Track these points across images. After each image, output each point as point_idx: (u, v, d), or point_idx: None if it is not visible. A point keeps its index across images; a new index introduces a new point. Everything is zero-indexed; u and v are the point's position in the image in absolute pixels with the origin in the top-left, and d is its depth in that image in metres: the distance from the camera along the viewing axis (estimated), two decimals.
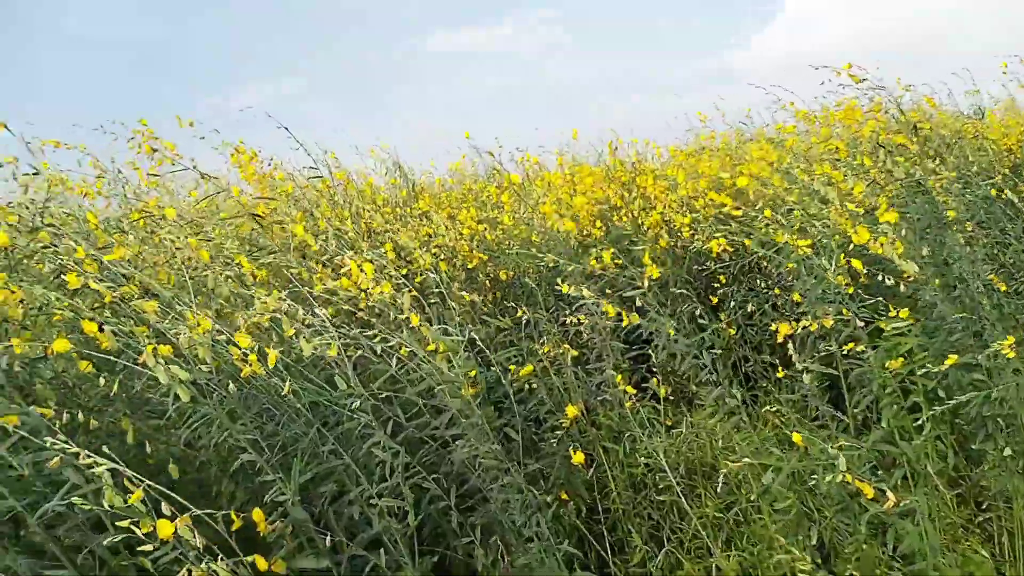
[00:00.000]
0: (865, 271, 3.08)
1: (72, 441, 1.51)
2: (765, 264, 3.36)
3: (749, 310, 3.49)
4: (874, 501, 2.21)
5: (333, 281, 2.61)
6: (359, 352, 2.22)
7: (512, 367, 2.90)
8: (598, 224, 4.06)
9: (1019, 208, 3.63)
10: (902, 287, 2.97)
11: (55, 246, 2.08)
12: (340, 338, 2.08)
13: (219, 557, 1.52)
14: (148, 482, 1.51)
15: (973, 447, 2.79)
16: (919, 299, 2.95)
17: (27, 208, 2.38)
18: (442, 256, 3.59)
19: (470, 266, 3.61)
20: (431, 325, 2.71)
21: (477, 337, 2.67)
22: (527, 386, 2.92)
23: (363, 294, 2.50)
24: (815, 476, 2.33)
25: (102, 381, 1.83)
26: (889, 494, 2.11)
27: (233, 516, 1.67)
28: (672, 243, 3.83)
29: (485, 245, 3.77)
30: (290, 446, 2.09)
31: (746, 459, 2.37)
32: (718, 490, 2.99)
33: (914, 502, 2.34)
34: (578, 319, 3.51)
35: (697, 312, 3.44)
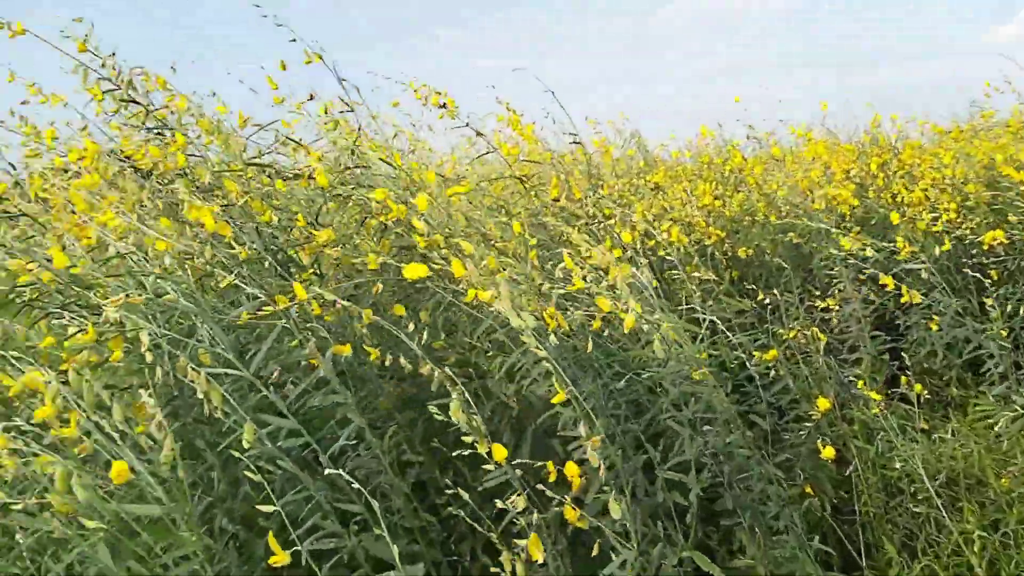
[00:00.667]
0: None
1: None
2: None
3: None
4: None
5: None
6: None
7: (756, 352, 2.78)
8: (854, 201, 3.77)
9: None
10: None
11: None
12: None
13: None
14: None
15: None
16: None
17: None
18: (679, 231, 3.49)
19: (707, 243, 3.49)
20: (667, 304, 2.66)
21: (717, 319, 2.57)
22: (772, 372, 2.79)
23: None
24: None
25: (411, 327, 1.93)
26: None
27: (550, 467, 1.74)
28: (933, 227, 3.46)
29: (722, 221, 3.63)
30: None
31: None
32: (984, 504, 2.72)
33: None
34: (828, 304, 3.30)
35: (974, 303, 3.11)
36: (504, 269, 1.93)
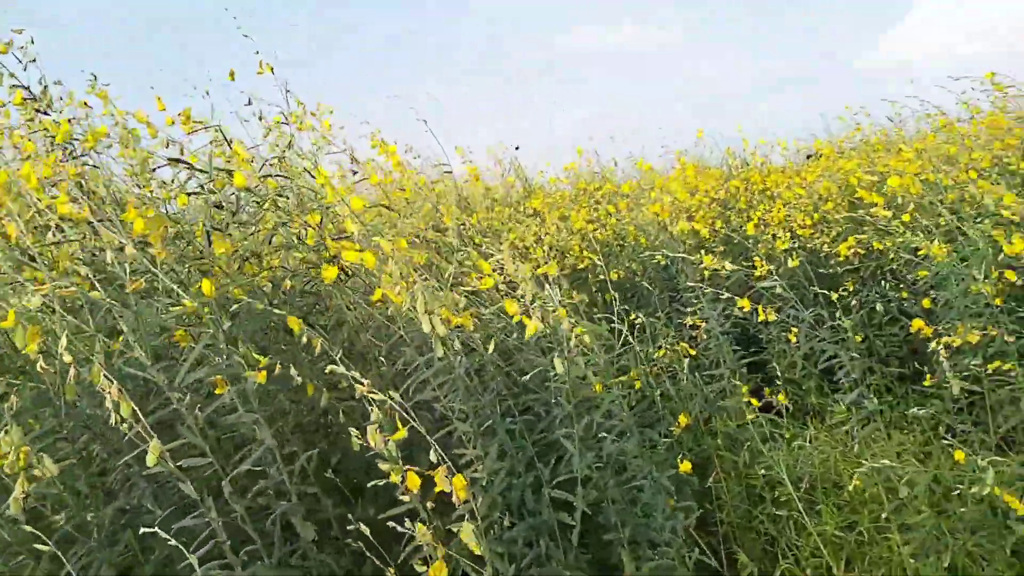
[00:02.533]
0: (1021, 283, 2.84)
1: None
2: (898, 268, 3.15)
3: (878, 308, 3.28)
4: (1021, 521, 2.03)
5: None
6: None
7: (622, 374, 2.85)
8: (717, 224, 3.94)
9: None
10: None
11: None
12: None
13: None
14: None
15: None
16: None
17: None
18: (552, 256, 3.56)
19: (580, 266, 3.57)
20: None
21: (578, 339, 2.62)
22: (638, 392, 2.86)
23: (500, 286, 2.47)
24: (958, 488, 2.16)
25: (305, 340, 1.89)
26: None
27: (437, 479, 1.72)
28: (793, 244, 3.66)
29: (594, 246, 3.73)
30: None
31: (883, 462, 2.21)
32: (841, 506, 2.86)
33: None
34: (695, 322, 3.42)
35: (825, 315, 3.28)
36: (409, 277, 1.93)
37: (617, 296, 3.77)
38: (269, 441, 1.79)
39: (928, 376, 2.71)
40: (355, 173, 3.34)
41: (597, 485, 2.09)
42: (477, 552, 1.64)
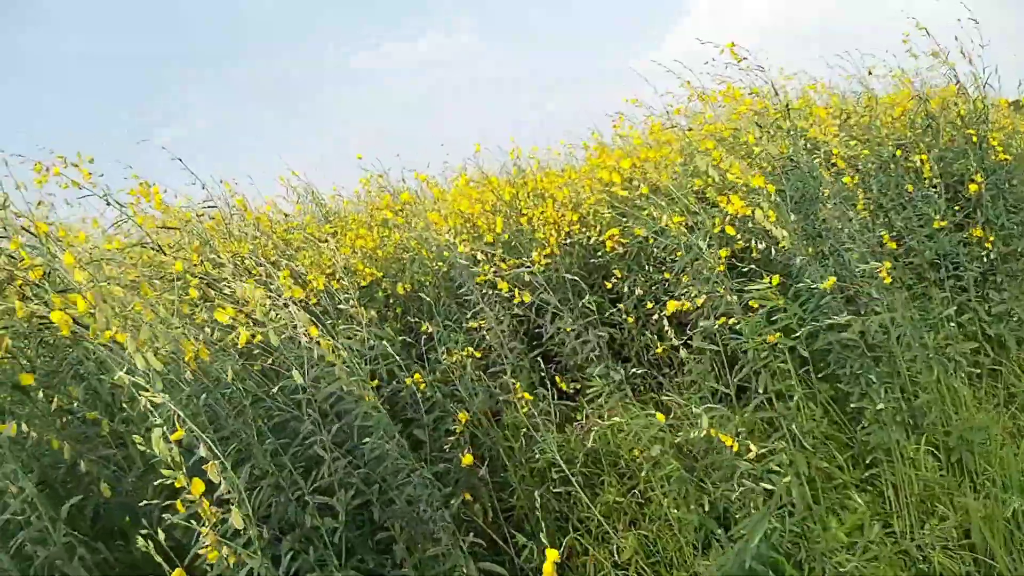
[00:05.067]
0: (742, 242, 3.20)
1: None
2: (653, 249, 3.46)
3: (638, 294, 3.57)
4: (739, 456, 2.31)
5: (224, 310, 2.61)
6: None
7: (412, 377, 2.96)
8: (498, 226, 4.14)
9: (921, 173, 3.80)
10: (774, 254, 3.11)
11: None
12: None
13: None
14: None
15: (851, 406, 2.92)
16: (792, 268, 3.06)
17: None
18: (339, 276, 3.62)
19: (363, 284, 3.65)
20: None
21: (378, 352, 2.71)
22: (426, 394, 2.97)
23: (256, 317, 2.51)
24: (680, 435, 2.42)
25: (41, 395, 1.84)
26: (751, 445, 2.21)
27: (180, 507, 1.73)
28: (563, 240, 3.92)
29: (377, 262, 3.82)
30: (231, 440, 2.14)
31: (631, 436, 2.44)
32: (622, 474, 3.10)
33: (788, 457, 2.45)
34: (478, 324, 3.58)
35: (586, 300, 3.53)
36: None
37: (406, 308, 3.89)
38: (30, 489, 1.76)
39: (659, 345, 3.00)
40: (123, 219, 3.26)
41: (358, 488, 2.16)
42: (232, 561, 1.68)
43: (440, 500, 2.47)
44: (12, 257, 2.26)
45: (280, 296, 2.33)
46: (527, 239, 4.03)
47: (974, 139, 3.50)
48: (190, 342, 2.01)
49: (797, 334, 2.81)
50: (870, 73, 4.31)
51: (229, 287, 2.30)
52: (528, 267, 3.31)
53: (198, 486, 1.66)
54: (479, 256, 3.56)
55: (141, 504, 1.93)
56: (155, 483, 2.26)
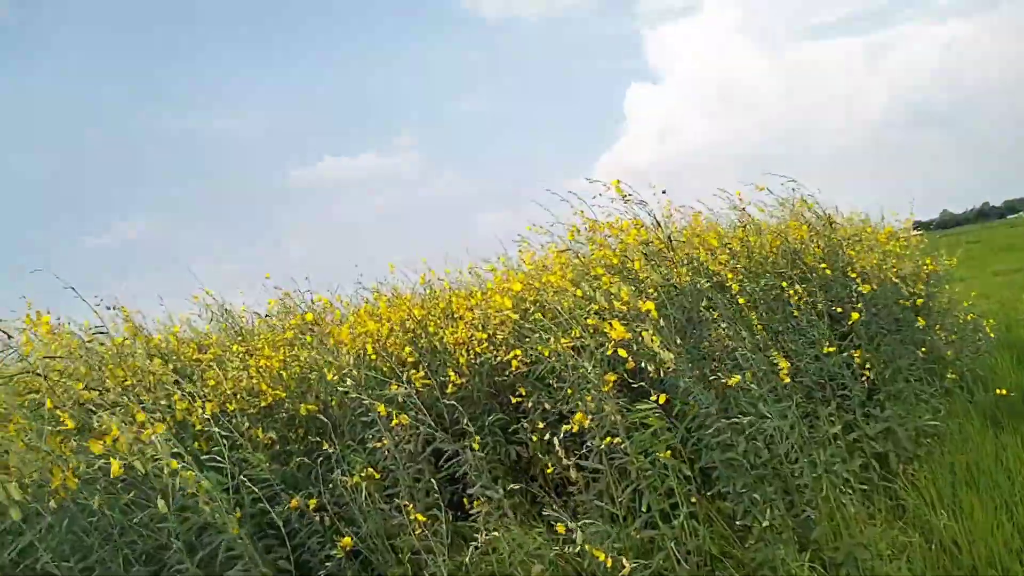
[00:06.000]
0: (632, 362, 3.33)
1: None
2: (546, 372, 3.55)
3: (539, 425, 3.65)
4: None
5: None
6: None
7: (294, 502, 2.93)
8: (407, 350, 4.20)
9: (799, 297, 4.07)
10: (662, 375, 3.23)
11: None
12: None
13: None
14: None
15: (737, 523, 2.99)
16: (677, 389, 3.19)
17: None
18: (241, 397, 3.60)
19: (265, 404, 3.63)
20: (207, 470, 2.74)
21: (247, 479, 2.69)
22: (307, 519, 2.94)
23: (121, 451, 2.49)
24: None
25: None
26: (624, 561, 2.25)
27: None
28: (472, 359, 4.00)
29: (283, 382, 3.82)
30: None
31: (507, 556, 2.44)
32: None
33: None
34: (381, 443, 3.58)
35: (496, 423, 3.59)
36: None
37: (308, 429, 3.86)
38: None
39: (547, 465, 3.06)
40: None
41: None
42: None
43: None
44: None
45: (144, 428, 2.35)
46: (438, 360, 4.10)
47: (827, 272, 3.79)
48: (59, 470, 2.00)
49: (682, 453, 2.90)
50: (740, 210, 4.66)
51: (98, 420, 2.30)
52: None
53: None
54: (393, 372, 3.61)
55: None
56: None
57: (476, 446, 3.59)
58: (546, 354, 3.63)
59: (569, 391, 3.06)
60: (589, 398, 2.90)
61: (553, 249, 4.26)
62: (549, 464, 3.18)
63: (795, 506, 3.15)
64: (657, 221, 3.84)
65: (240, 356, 4.21)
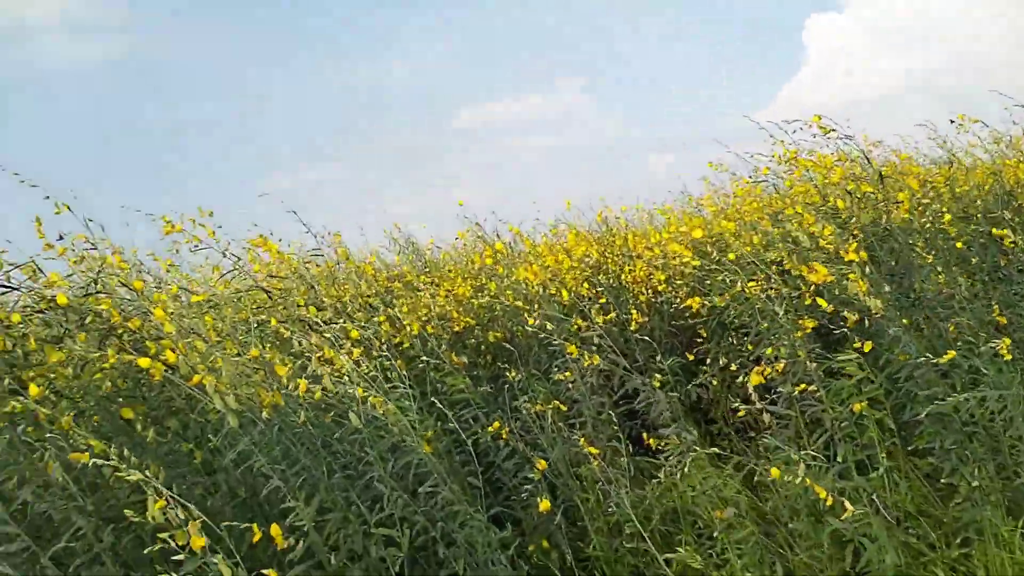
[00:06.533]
0: (832, 310, 3.19)
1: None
2: (738, 321, 3.48)
3: (721, 363, 3.60)
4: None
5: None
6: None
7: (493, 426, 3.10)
8: (585, 285, 4.25)
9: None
10: (868, 324, 3.07)
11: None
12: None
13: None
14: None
15: (942, 481, 2.83)
16: (883, 337, 3.02)
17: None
18: (432, 322, 3.81)
19: (457, 330, 3.83)
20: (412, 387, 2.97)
21: (438, 400, 2.88)
22: (503, 441, 3.10)
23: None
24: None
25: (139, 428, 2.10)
26: (846, 503, 2.21)
27: (255, 529, 1.95)
28: (653, 299, 3.99)
29: (472, 310, 4.00)
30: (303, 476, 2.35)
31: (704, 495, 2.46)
32: (700, 534, 3.10)
33: (872, 525, 2.40)
34: (564, 376, 3.69)
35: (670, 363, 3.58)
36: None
37: (496, 356, 4.04)
38: (82, 522, 2.01)
39: (741, 409, 3.02)
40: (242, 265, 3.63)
41: (423, 526, 2.31)
42: None
43: (497, 543, 2.58)
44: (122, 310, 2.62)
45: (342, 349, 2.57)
46: (617, 296, 4.13)
47: None
48: (265, 391, 2.26)
49: (884, 405, 2.77)
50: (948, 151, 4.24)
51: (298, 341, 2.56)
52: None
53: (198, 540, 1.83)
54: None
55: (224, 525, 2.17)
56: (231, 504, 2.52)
57: (657, 384, 3.63)
58: (729, 299, 3.57)
59: (762, 332, 2.99)
60: (783, 348, 2.82)
61: (745, 182, 4.10)
62: (740, 409, 3.14)
63: (1005, 468, 2.94)
64: (866, 157, 3.59)
65: (427, 285, 4.44)
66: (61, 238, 3.08)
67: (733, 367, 3.20)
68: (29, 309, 2.68)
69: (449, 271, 4.86)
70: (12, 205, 3.13)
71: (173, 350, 2.28)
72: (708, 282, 3.86)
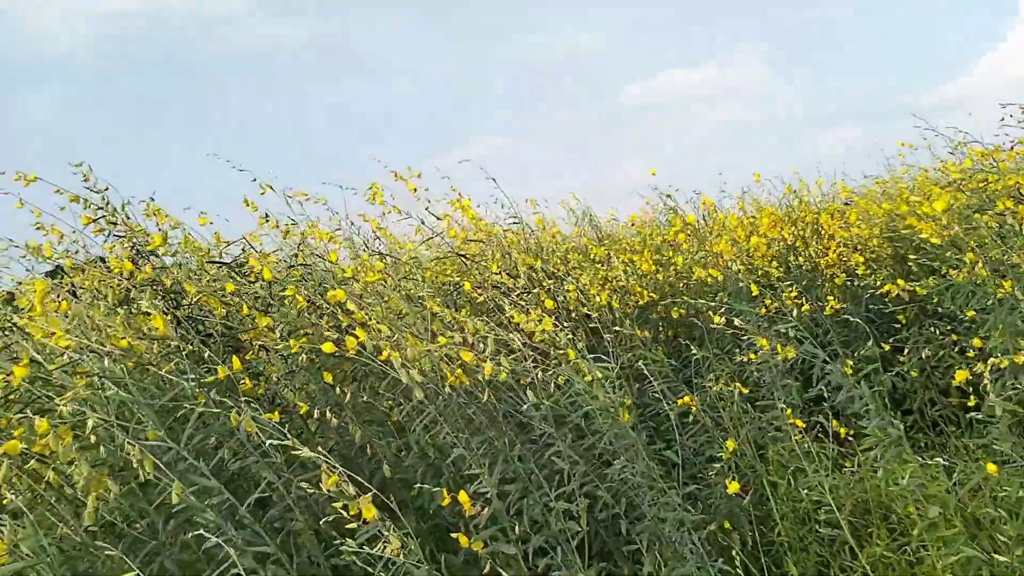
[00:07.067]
0: None
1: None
2: (942, 308, 3.29)
3: (924, 355, 3.41)
4: None
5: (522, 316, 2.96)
6: (529, 379, 2.58)
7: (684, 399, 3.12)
8: (775, 264, 4.14)
9: None
10: None
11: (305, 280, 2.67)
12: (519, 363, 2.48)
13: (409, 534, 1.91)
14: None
15: None
16: None
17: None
18: (616, 295, 3.86)
19: (640, 303, 3.86)
20: (600, 358, 3.04)
21: (645, 369, 2.92)
22: (691, 417, 3.11)
23: (539, 331, 2.84)
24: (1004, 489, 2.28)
25: (338, 391, 2.34)
26: None
27: (445, 494, 2.11)
28: (849, 281, 3.83)
29: (656, 285, 4.01)
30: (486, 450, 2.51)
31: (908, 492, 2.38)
32: (892, 529, 2.99)
33: None
34: (749, 357, 3.64)
35: (879, 352, 3.44)
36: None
37: (677, 332, 4.04)
38: (270, 475, 2.22)
39: (971, 398, 2.85)
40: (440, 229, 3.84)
41: (606, 501, 2.38)
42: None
43: (691, 524, 2.60)
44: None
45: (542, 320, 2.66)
46: (809, 279, 4.00)
47: None
48: (447, 367, 2.39)
49: None
50: None
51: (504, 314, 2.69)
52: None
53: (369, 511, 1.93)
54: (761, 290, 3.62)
55: (416, 485, 2.37)
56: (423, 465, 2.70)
57: (849, 370, 3.50)
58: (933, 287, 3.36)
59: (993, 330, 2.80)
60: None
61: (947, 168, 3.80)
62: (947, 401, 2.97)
63: None
64: None
65: (604, 259, 4.48)
66: (267, 217, 3.48)
67: (960, 362, 3.02)
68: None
69: (626, 245, 4.87)
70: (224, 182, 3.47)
71: (363, 326, 2.44)
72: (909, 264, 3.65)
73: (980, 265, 2.90)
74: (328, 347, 2.23)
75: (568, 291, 3.53)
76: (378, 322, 2.37)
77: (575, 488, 2.40)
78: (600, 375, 2.69)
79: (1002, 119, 3.38)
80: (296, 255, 3.02)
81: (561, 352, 2.50)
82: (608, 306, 3.53)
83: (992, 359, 2.76)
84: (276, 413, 2.22)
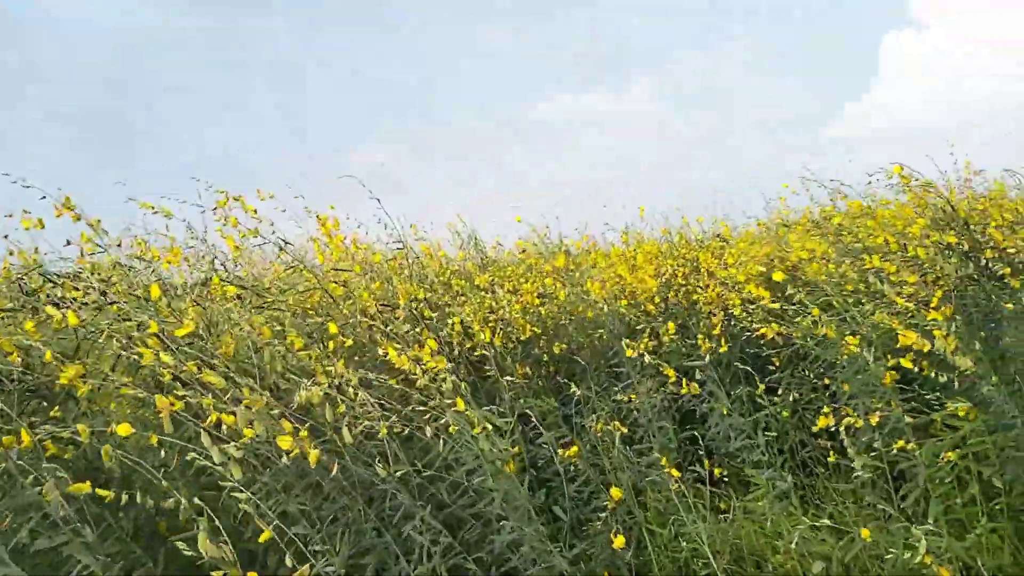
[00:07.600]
0: (916, 368, 3.05)
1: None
2: (812, 354, 3.36)
3: (792, 398, 3.48)
4: None
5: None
6: (406, 430, 2.36)
7: (561, 449, 2.99)
8: (656, 300, 4.14)
9: None
10: (956, 383, 2.92)
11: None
12: (386, 419, 2.24)
13: None
14: None
15: None
16: (974, 395, 2.89)
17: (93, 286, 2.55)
18: (499, 329, 3.72)
19: (523, 338, 3.74)
20: (484, 401, 2.87)
21: (532, 414, 2.78)
22: (574, 466, 3.00)
23: (419, 372, 2.63)
24: (890, 553, 2.29)
25: (163, 453, 2.03)
26: (943, 570, 2.09)
27: None
28: (727, 323, 3.87)
29: (540, 319, 3.90)
30: (337, 520, 2.24)
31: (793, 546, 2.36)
32: None
33: None
34: (629, 397, 3.59)
35: (755, 393, 3.47)
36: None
37: (556, 368, 3.95)
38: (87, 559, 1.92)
39: (831, 453, 2.89)
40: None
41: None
42: None
43: None
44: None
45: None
46: (687, 317, 4.01)
47: None
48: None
49: (990, 460, 2.64)
50: None
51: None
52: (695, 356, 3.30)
53: None
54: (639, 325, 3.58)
55: None
56: None
57: (725, 411, 3.52)
58: (799, 337, 3.43)
59: (844, 385, 2.85)
60: (875, 400, 2.70)
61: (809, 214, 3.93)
62: (831, 452, 3.02)
63: None
64: (950, 204, 3.42)
65: (488, 287, 4.32)
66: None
67: (824, 417, 3.07)
68: None
69: (511, 273, 4.75)
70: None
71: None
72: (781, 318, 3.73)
73: (825, 319, 2.98)
74: (124, 429, 1.89)
75: (452, 324, 3.36)
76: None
77: (437, 563, 2.20)
78: (490, 425, 2.52)
79: (869, 182, 3.51)
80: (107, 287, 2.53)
81: (448, 401, 2.31)
82: (490, 343, 3.37)
83: (847, 419, 2.82)
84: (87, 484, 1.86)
